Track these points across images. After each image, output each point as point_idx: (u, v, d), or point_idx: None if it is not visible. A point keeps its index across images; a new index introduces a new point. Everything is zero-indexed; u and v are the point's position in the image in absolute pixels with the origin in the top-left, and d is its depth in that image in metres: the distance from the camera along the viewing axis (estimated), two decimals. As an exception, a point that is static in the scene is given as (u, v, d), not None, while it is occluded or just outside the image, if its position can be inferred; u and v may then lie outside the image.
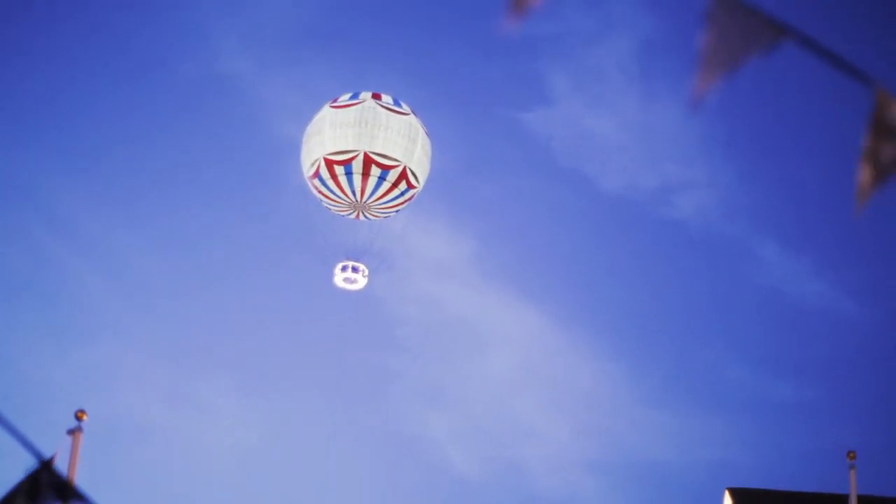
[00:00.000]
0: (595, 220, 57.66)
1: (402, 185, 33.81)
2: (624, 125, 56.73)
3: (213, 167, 56.60)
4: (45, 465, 8.36)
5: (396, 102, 34.31)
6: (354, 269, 34.45)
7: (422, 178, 34.21)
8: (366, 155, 33.26)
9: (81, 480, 14.58)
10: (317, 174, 33.65)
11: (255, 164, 54.60)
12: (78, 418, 14.54)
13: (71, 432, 14.47)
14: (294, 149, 35.03)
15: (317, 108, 34.60)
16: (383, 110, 33.77)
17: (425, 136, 34.34)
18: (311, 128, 34.18)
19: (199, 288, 56.83)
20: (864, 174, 4.40)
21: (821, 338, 55.98)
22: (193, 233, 56.69)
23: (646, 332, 58.24)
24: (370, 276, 34.62)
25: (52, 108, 54.72)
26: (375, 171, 33.41)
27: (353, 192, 33.50)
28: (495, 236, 58.11)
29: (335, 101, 34.27)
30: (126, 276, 55.70)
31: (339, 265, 34.52)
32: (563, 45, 55.60)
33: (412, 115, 34.24)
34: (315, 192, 34.11)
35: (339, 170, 33.43)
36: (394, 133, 33.57)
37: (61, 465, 14.12)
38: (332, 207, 34.28)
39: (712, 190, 56.51)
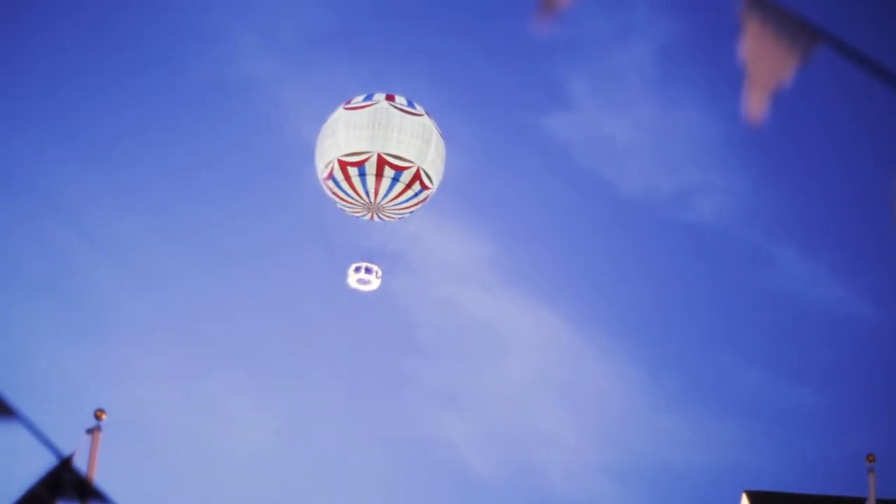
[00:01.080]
0: (613, 224, 57.61)
1: (416, 186, 33.77)
2: (643, 129, 56.68)
3: (235, 169, 56.70)
4: (65, 463, 8.38)
5: (410, 104, 34.26)
6: (368, 270, 34.45)
7: (436, 179, 34.18)
8: (379, 156, 33.23)
9: (99, 479, 14.59)
10: (331, 175, 33.66)
11: (275, 165, 54.67)
12: (97, 417, 14.48)
13: (90, 431, 14.42)
14: (312, 150, 35.05)
15: (334, 109, 34.63)
16: (397, 111, 33.73)
17: (439, 137, 34.29)
18: (325, 129, 34.19)
19: (216, 288, 56.91)
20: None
21: (839, 342, 55.85)
22: (212, 234, 56.77)
23: (663, 335, 58.14)
24: (384, 278, 34.64)
25: (73, 110, 54.85)
26: (389, 173, 33.38)
27: (367, 194, 33.49)
28: (514, 239, 58.14)
29: (349, 102, 34.27)
30: (144, 276, 55.80)
31: (353, 266, 34.53)
32: (583, 49, 55.58)
33: (426, 116, 34.19)
34: (329, 193, 34.11)
35: (353, 171, 33.42)
36: (407, 134, 33.52)
37: (80, 465, 14.12)
38: (346, 209, 34.28)
39: (731, 194, 56.47)
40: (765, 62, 4.20)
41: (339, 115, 33.96)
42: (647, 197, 55.72)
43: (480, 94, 57.25)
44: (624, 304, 58.55)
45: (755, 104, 4.23)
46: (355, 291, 34.71)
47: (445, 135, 34.86)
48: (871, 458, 16.95)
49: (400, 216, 34.53)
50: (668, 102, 56.78)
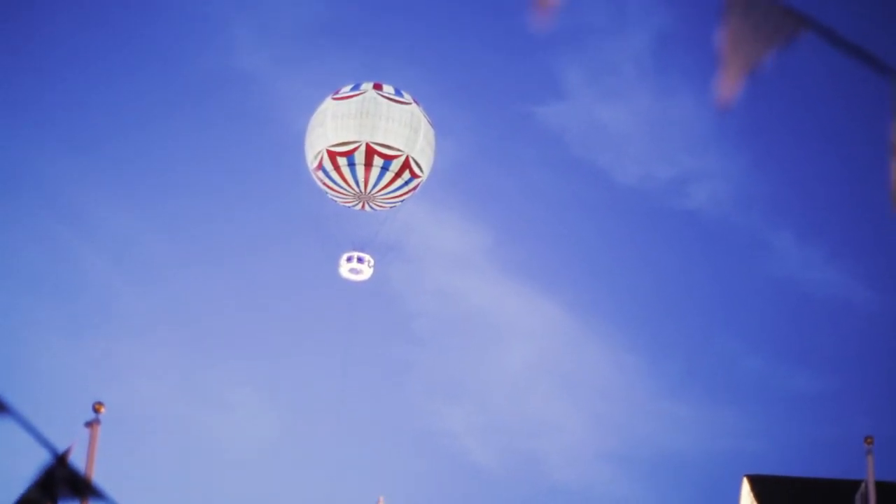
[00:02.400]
0: (610, 212, 57.68)
1: (406, 175, 33.71)
2: (638, 117, 56.72)
3: (233, 163, 56.75)
4: (60, 460, 8.32)
5: (398, 92, 34.19)
6: (360, 260, 34.39)
7: (426, 167, 34.11)
8: (368, 145, 33.17)
9: (99, 472, 14.57)
10: (320, 166, 33.60)
11: (272, 158, 54.66)
12: (96, 410, 14.48)
13: (89, 424, 14.43)
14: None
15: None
16: (384, 100, 33.66)
17: (428, 125, 34.23)
18: (314, 120, 34.12)
19: (215, 281, 56.93)
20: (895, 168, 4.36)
21: (836, 326, 55.97)
22: (210, 228, 56.81)
23: (662, 322, 58.24)
24: (377, 267, 34.58)
25: (72, 106, 54.80)
26: (378, 162, 33.32)
27: (357, 183, 33.43)
28: (511, 228, 58.26)
29: (337, 92, 34.19)
30: (142, 269, 55.84)
31: (345, 256, 34.48)
32: (578, 38, 55.59)
33: (414, 105, 34.11)
34: (320, 184, 34.05)
35: (342, 161, 33.35)
36: (395, 123, 33.44)
37: (79, 458, 14.12)
38: (337, 199, 34.22)
39: (727, 180, 56.56)
40: (741, 43, 4.17)
41: (327, 106, 33.88)
42: (642, 185, 55.77)
43: (476, 84, 57.31)
44: (622, 291, 58.63)
45: (727, 85, 4.20)
46: (354, 282, 34.64)
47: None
48: (869, 440, 16.96)
49: (391, 205, 34.47)
50: (663, 90, 56.86)
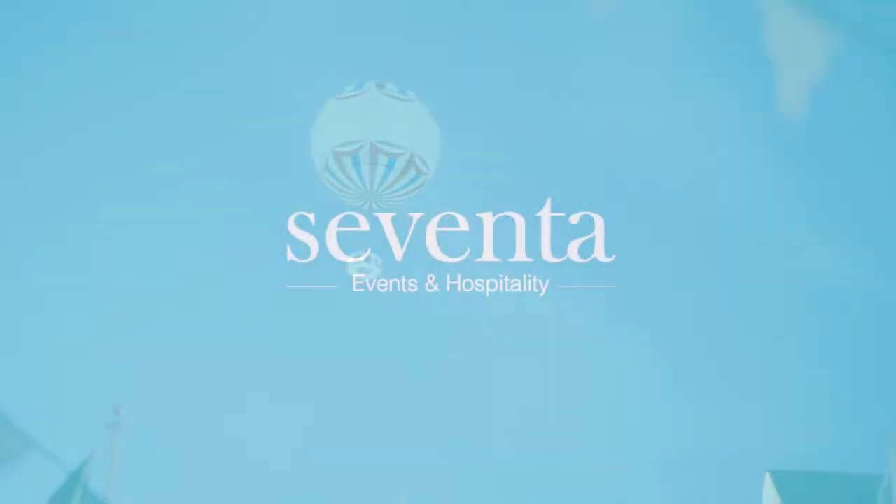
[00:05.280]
0: (629, 213, 57.50)
1: (411, 172, 33.79)
2: (659, 117, 56.58)
3: (245, 163, 56.67)
4: (80, 484, 8.32)
5: (401, 90, 34.29)
6: (367, 259, 34.48)
7: (431, 163, 34.15)
8: (371, 144, 33.28)
9: (120, 475, 14.60)
10: (326, 167, 33.69)
11: (285, 157, 54.57)
12: (116, 413, 14.52)
13: (110, 427, 14.46)
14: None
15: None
16: (387, 98, 33.75)
17: (432, 121, 34.27)
18: (318, 122, 34.21)
19: (236, 284, 56.86)
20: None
21: (857, 320, 55.88)
22: (227, 230, 56.73)
23: (682, 319, 58.14)
24: (389, 267, 34.60)
25: (83, 105, 54.72)
26: (382, 160, 33.43)
27: (363, 182, 33.53)
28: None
29: (340, 93, 34.30)
30: (159, 271, 55.76)
31: (352, 256, 34.56)
32: (597, 36, 55.44)
33: (417, 102, 34.18)
34: (327, 184, 34.12)
35: (347, 161, 33.47)
36: (398, 121, 33.55)
37: (100, 461, 14.16)
38: (345, 199, 34.28)
39: (751, 179, 56.48)
40: (796, 58, 4.13)
41: (331, 106, 33.97)
42: (664, 185, 55.66)
43: (492, 83, 57.18)
44: (645, 291, 58.50)
45: (790, 98, 4.15)
46: (361, 281, 34.65)
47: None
48: (891, 434, 16.94)
49: (398, 203, 34.52)
50: (685, 88, 56.73)
